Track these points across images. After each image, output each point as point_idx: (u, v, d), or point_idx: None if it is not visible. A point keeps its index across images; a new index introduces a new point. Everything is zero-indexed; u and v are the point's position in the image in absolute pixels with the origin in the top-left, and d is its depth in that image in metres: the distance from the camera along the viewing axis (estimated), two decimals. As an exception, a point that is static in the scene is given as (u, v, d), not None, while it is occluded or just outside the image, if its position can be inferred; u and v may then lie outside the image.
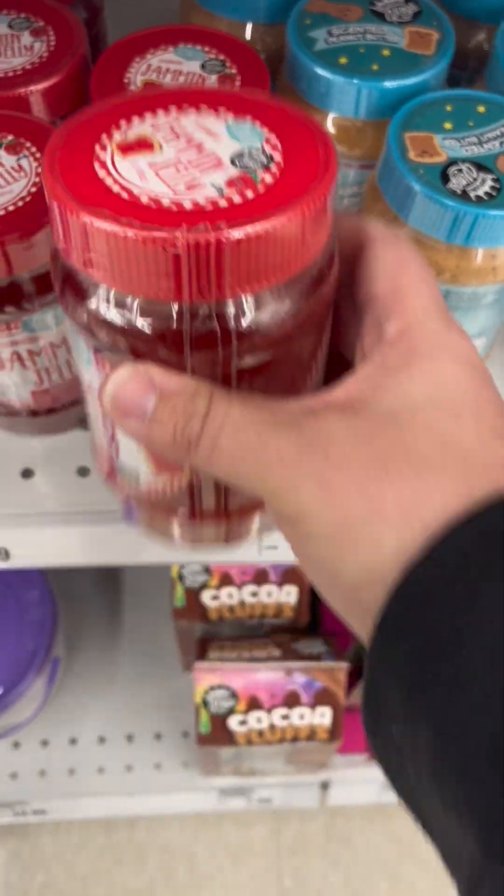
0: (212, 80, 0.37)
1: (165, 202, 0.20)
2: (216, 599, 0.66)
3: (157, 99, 0.24)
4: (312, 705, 0.62)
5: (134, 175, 0.21)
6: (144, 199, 0.20)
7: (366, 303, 0.24)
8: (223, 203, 0.20)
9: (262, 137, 0.23)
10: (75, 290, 0.23)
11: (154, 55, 0.38)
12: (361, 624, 0.21)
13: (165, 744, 0.82)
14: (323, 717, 0.62)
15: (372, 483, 0.20)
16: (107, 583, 0.91)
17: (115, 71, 0.37)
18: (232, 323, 0.21)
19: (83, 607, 0.88)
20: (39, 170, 0.33)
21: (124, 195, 0.21)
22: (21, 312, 0.34)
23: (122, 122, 0.23)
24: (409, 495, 0.20)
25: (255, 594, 0.66)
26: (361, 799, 0.86)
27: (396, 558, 0.20)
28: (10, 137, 0.33)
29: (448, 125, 0.34)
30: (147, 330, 0.22)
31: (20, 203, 0.31)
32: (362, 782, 0.82)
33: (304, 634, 0.69)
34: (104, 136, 0.22)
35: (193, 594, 0.66)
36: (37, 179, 0.32)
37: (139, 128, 0.23)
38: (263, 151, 0.22)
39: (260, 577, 0.66)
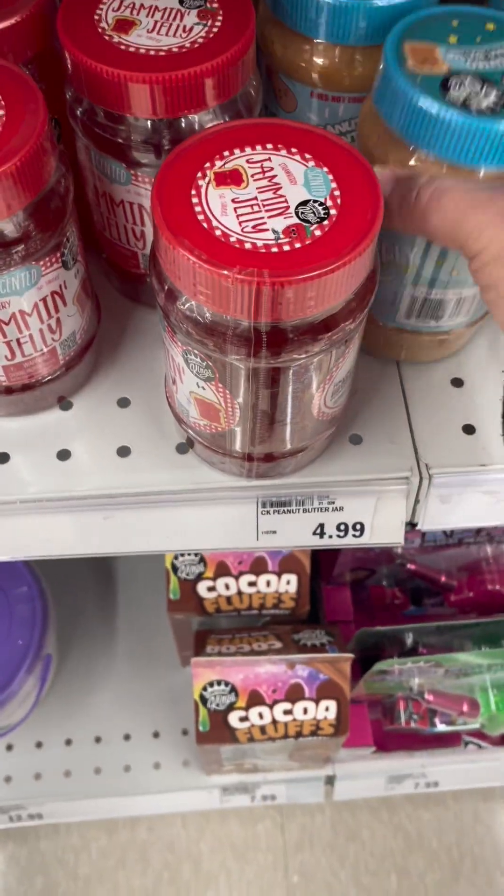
0: (192, 15, 0.33)
1: (232, 239, 0.26)
2: (213, 591, 0.63)
3: (263, 131, 0.29)
4: (316, 699, 0.59)
5: (218, 207, 0.27)
6: (218, 233, 0.26)
7: None
8: (274, 249, 0.26)
9: (330, 190, 0.27)
10: (170, 291, 0.28)
11: (127, -10, 0.34)
12: None
13: (164, 742, 0.79)
14: (328, 710, 0.59)
15: None
16: (100, 575, 0.87)
17: (84, 8, 0.33)
18: (263, 336, 0.27)
19: (75, 602, 0.85)
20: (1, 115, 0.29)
21: (205, 226, 0.26)
22: (-16, 275, 0.30)
23: (226, 152, 0.28)
24: None
25: (253, 584, 0.63)
26: (368, 793, 0.84)
27: None
28: (-34, 78, 0.30)
29: (453, 39, 0.31)
30: (208, 325, 0.28)
31: (-22, 148, 0.28)
32: (369, 775, 0.79)
33: (305, 625, 0.66)
34: (207, 164, 0.28)
35: (189, 585, 0.63)
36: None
37: (236, 160, 0.28)
38: (324, 204, 0.27)
39: (258, 565, 0.62)
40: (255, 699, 0.59)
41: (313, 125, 0.30)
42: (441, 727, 0.69)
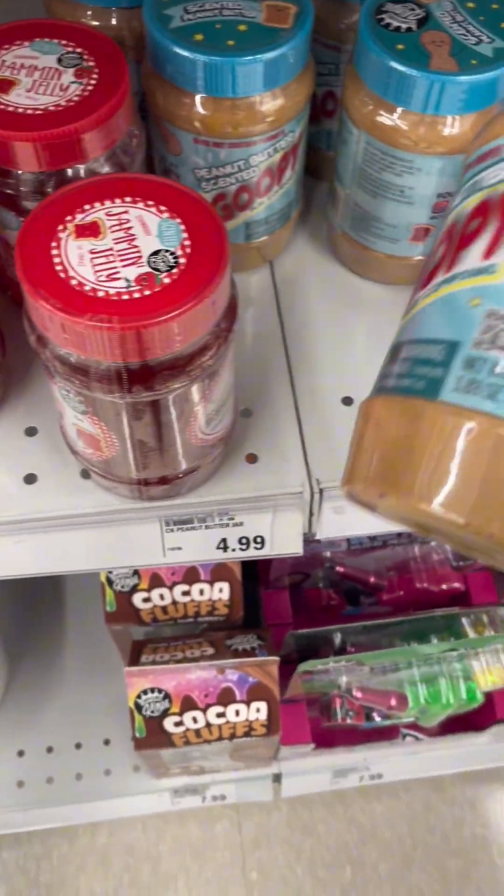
0: (69, 74, 0.36)
1: (87, 288, 0.28)
2: (148, 601, 0.65)
3: (123, 185, 0.31)
4: (247, 701, 0.62)
5: (76, 258, 0.29)
6: (74, 283, 0.28)
7: None
8: (125, 297, 0.28)
9: (181, 240, 0.29)
10: (40, 335, 0.31)
11: (9, 51, 0.37)
12: None
13: (115, 749, 0.81)
14: (259, 711, 0.62)
15: None
16: (45, 589, 0.89)
17: (-33, 68, 0.36)
18: (124, 374, 0.30)
19: (22, 618, 0.87)
20: None
21: (63, 276, 0.28)
22: None
23: (87, 206, 0.30)
24: None
25: (187, 593, 0.65)
26: (315, 788, 0.86)
27: None
28: None
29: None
30: (75, 365, 0.31)
31: None
32: (314, 771, 0.82)
33: (239, 630, 0.68)
34: (68, 217, 0.30)
35: (124, 597, 0.65)
36: None
37: (96, 213, 0.30)
38: (175, 254, 0.29)
39: (190, 575, 0.65)
40: (188, 704, 0.61)
41: (170, 179, 0.32)
42: (378, 721, 0.72)
